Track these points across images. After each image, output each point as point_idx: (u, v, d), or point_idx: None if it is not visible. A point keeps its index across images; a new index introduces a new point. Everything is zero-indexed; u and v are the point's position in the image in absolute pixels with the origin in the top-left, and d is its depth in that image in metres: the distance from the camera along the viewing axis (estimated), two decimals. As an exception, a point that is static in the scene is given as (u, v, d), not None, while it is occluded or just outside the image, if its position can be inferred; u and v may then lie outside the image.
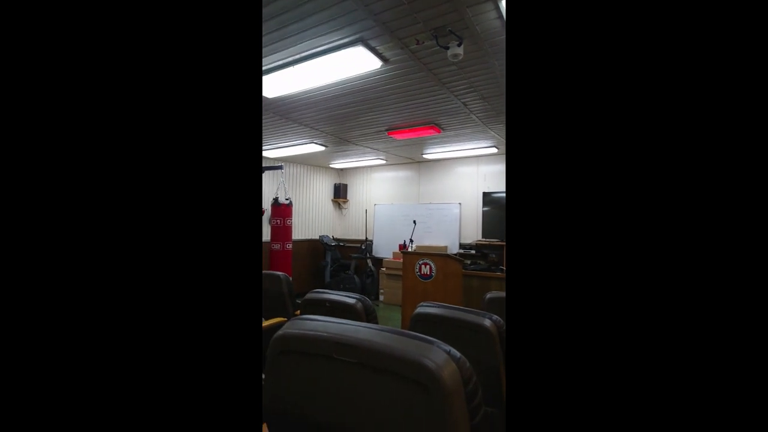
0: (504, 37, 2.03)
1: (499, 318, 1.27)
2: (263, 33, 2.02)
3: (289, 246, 5.13)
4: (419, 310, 1.34)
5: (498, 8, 1.76)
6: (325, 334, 0.57)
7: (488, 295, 1.94)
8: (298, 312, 2.36)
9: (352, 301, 1.43)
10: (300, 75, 2.49)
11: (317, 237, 6.51)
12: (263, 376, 0.66)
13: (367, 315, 1.41)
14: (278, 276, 2.47)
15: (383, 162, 6.08)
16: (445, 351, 0.53)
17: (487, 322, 1.21)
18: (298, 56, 2.29)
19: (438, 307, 1.33)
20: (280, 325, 2.30)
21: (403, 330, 0.57)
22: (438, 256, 3.79)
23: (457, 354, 0.53)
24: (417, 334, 0.56)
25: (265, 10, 1.81)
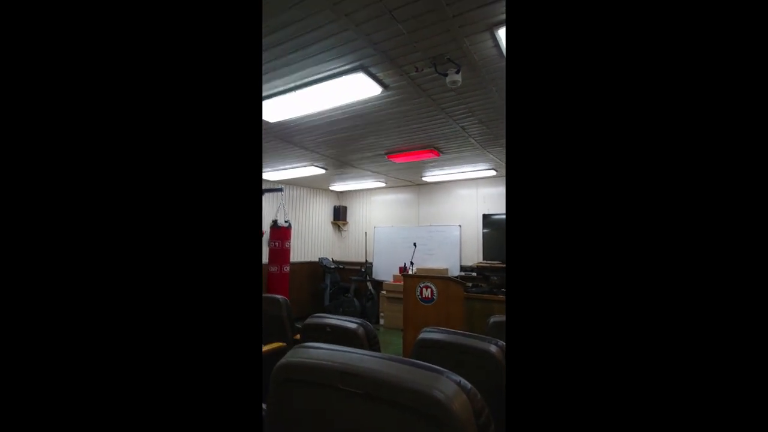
0: (500, 65, 2.09)
1: (504, 343, 1.25)
2: (266, 60, 2.08)
3: (287, 269, 5.08)
4: (423, 335, 1.31)
5: (494, 38, 1.82)
6: (331, 363, 0.55)
7: (492, 319, 1.91)
8: (298, 336, 2.31)
9: (353, 326, 1.41)
10: (301, 100, 2.54)
11: (316, 259, 6.46)
12: (264, 405, 0.64)
13: (369, 340, 1.38)
14: (277, 299, 2.44)
15: (383, 184, 6.12)
16: (455, 381, 0.51)
17: (493, 348, 1.18)
18: (299, 82, 2.34)
19: (442, 332, 1.31)
20: (279, 350, 2.22)
21: (411, 359, 0.56)
22: (439, 278, 3.75)
23: (468, 385, 0.52)
24: (425, 363, 0.54)
25: (269, 39, 1.86)
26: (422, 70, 2.16)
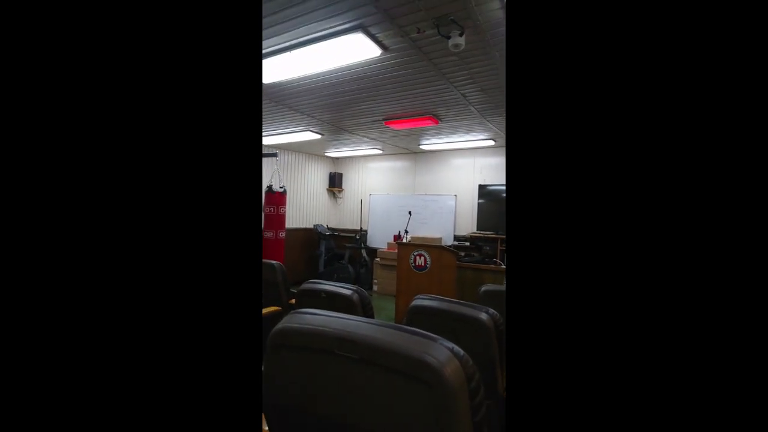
0: (506, 27, 2.01)
1: (495, 311, 1.28)
2: (262, 15, 1.97)
3: (282, 234, 5.10)
4: (416, 302, 1.34)
5: (502, -2, 1.73)
6: (327, 329, 0.56)
7: (483, 288, 1.95)
8: (293, 300, 2.35)
9: (348, 292, 1.43)
10: (297, 60, 2.44)
11: (311, 226, 6.48)
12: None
13: (364, 306, 1.41)
14: (272, 265, 2.46)
15: (379, 152, 6.04)
16: (448, 348, 0.52)
17: (484, 316, 1.21)
18: (296, 41, 2.24)
19: (435, 299, 1.33)
20: (275, 314, 2.27)
21: (406, 326, 0.56)
22: (433, 247, 3.80)
23: (460, 351, 0.53)
24: (420, 330, 0.55)
25: (264, -7, 1.76)
26: (424, 31, 2.06)
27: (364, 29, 2.06)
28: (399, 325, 0.56)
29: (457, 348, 0.54)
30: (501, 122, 3.98)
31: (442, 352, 0.51)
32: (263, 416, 0.67)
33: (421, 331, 0.55)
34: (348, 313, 0.61)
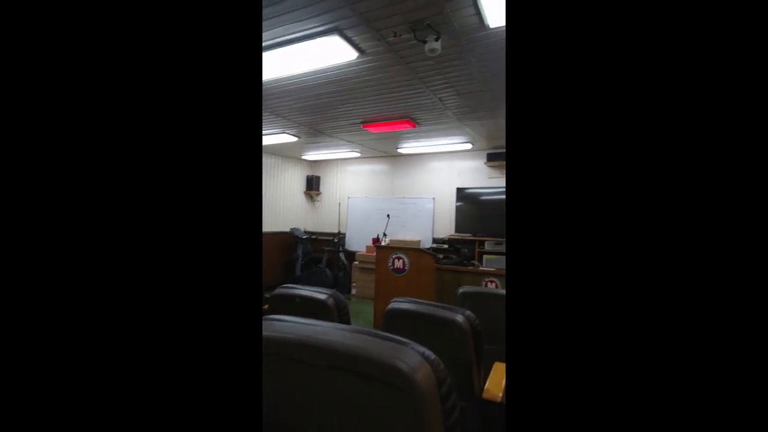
0: (480, 34, 2.04)
1: (471, 313, 1.29)
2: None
3: (260, 238, 5.00)
4: (392, 305, 1.33)
5: (476, 4, 1.76)
6: (294, 337, 0.54)
7: (461, 290, 1.97)
8: (266, 306, 2.30)
9: (323, 296, 1.41)
10: (273, 62, 2.40)
11: (288, 230, 6.38)
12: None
13: (339, 311, 1.39)
14: (247, 270, 2.40)
15: (358, 155, 6.02)
16: (419, 353, 0.51)
17: (460, 318, 1.21)
18: (271, 42, 2.20)
19: (411, 302, 1.33)
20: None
21: (377, 331, 0.55)
22: (411, 250, 3.81)
23: (432, 355, 0.52)
24: (390, 335, 0.54)
25: (236, -9, 1.72)
26: (400, 35, 2.07)
27: (340, 32, 2.05)
28: (370, 330, 0.55)
29: (428, 352, 0.53)
30: (478, 126, 4.05)
31: (413, 357, 0.50)
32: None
33: (393, 335, 0.54)
34: (323, 319, 0.60)
